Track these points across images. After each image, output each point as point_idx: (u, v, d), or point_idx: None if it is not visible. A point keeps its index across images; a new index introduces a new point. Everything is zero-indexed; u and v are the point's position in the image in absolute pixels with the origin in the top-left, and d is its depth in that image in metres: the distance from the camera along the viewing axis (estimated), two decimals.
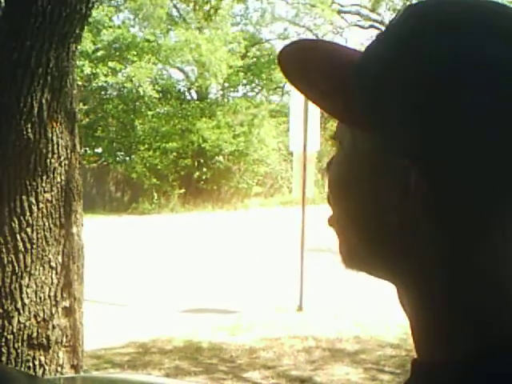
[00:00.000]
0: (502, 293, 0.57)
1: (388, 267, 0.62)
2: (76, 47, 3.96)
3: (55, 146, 3.63)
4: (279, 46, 37.59)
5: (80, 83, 22.39)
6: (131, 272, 10.38)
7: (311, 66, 0.65)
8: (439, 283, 0.58)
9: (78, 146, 3.86)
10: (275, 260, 11.47)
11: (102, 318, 7.10)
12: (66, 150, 3.71)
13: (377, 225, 0.60)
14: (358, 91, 0.60)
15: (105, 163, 23.87)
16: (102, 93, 24.23)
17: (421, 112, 0.56)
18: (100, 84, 22.84)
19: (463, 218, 0.56)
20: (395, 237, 0.59)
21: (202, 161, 23.71)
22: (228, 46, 24.57)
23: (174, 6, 25.71)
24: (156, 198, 22.63)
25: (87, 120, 24.20)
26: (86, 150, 23.82)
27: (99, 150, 24.31)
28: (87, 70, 21.62)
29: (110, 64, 22.25)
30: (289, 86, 23.65)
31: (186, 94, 26.56)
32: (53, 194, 3.57)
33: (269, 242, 13.98)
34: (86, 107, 23.79)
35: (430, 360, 0.59)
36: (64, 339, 3.45)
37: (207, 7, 24.27)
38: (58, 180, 3.62)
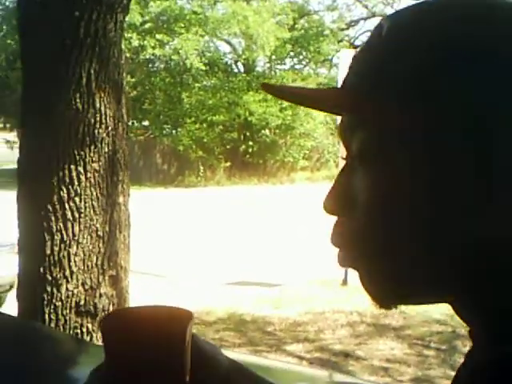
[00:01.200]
0: None
1: (447, 287, 0.59)
2: (123, 17, 3.97)
3: (103, 117, 3.66)
4: (328, 17, 37.08)
5: (128, 55, 22.51)
6: (176, 244, 10.47)
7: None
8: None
9: (125, 117, 3.88)
10: (321, 234, 11.43)
11: (147, 289, 7.20)
12: (114, 120, 3.74)
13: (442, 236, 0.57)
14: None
15: (151, 136, 24.04)
16: (150, 65, 24.33)
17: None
18: (147, 56, 22.93)
19: None
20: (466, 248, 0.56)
21: (248, 134, 23.69)
22: (276, 17, 24.36)
23: None
24: (202, 170, 22.73)
25: (134, 93, 24.35)
26: (133, 123, 24.01)
27: (146, 123, 24.46)
28: (135, 43, 21.70)
29: (158, 36, 22.29)
30: (337, 59, 23.41)
31: (233, 66, 26.48)
32: (100, 163, 3.61)
33: (314, 215, 13.93)
34: (133, 80, 23.92)
35: (484, 358, 0.58)
36: (111, 307, 3.51)
37: None
38: (106, 150, 3.65)
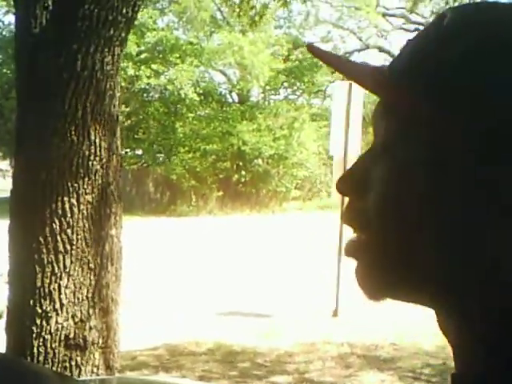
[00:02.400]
0: None
1: (431, 290, 0.58)
2: (121, 51, 4.01)
3: (97, 149, 3.68)
4: (322, 48, 37.52)
5: (123, 85, 22.62)
6: (167, 274, 10.44)
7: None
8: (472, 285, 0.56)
9: (119, 149, 3.90)
10: (312, 264, 11.43)
11: (137, 319, 7.17)
12: (108, 152, 3.76)
13: (432, 243, 0.56)
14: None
15: (145, 165, 24.08)
16: (144, 95, 24.45)
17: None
18: (142, 86, 23.05)
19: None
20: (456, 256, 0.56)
21: (241, 164, 23.76)
22: (270, 48, 24.59)
23: (218, 9, 25.84)
24: (194, 200, 22.74)
25: (129, 122, 24.44)
26: (126, 152, 24.07)
27: (140, 152, 24.52)
28: (130, 72, 21.84)
29: (153, 66, 22.44)
30: (331, 90, 23.58)
31: (228, 96, 26.65)
32: (94, 195, 3.62)
33: (306, 245, 13.94)
34: (127, 109, 24.02)
35: (470, 372, 0.59)
36: (100, 340, 3.49)
37: (252, 13, 24.35)
38: (100, 182, 3.67)
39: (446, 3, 23.95)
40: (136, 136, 24.02)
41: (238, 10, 25.03)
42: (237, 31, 23.96)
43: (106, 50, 3.77)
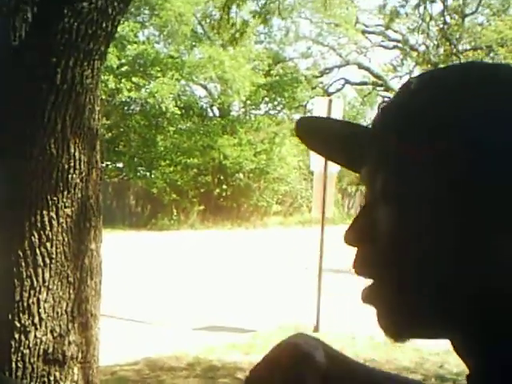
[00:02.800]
0: None
1: (450, 323, 0.62)
2: (100, 64, 4.00)
3: (77, 162, 3.66)
4: (302, 64, 37.61)
5: (103, 97, 22.58)
6: (148, 288, 10.38)
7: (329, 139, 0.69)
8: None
9: (99, 162, 3.88)
10: (293, 279, 11.42)
11: (117, 334, 7.12)
12: (88, 165, 3.73)
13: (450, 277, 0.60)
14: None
15: (126, 178, 24.01)
16: (125, 108, 24.42)
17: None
18: (123, 99, 23.02)
19: None
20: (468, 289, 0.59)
21: (222, 178, 23.77)
22: (251, 63, 24.68)
23: (199, 23, 25.91)
24: (175, 214, 22.69)
25: (109, 135, 24.38)
26: (107, 165, 24.00)
27: (120, 165, 24.46)
28: (111, 85, 21.80)
29: (134, 79, 22.43)
30: (311, 105, 23.68)
31: (208, 110, 26.70)
32: (73, 209, 3.59)
33: (287, 261, 13.93)
34: (108, 122, 23.96)
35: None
36: (79, 355, 3.46)
37: (233, 30, 24.46)
38: (79, 196, 3.64)
39: (423, 20, 24.23)
40: (117, 149, 23.98)
41: (217, 26, 25.16)
42: (218, 45, 24.04)
43: (86, 63, 3.75)
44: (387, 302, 0.63)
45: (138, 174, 24.09)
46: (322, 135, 0.69)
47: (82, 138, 3.71)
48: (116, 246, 15.05)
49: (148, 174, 24.04)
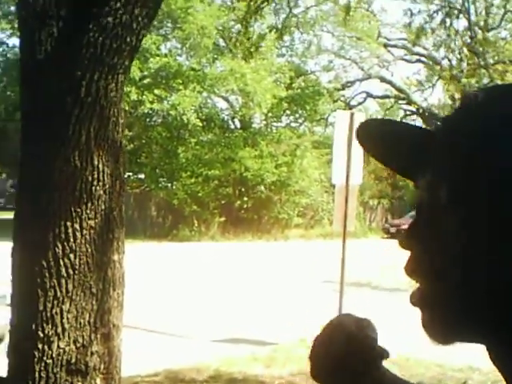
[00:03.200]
0: None
1: (489, 328, 0.62)
2: (124, 78, 4.04)
3: (101, 174, 3.70)
4: (324, 77, 37.59)
5: (126, 109, 22.72)
6: (169, 300, 10.41)
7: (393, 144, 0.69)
8: None
9: (122, 174, 3.92)
10: (314, 292, 11.38)
11: (138, 345, 7.14)
12: (111, 177, 3.77)
13: (487, 285, 0.61)
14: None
15: (147, 189, 24.13)
16: (147, 119, 24.58)
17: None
18: (146, 111, 23.18)
19: None
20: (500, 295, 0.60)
21: (243, 190, 23.80)
22: (273, 76, 24.75)
23: (221, 37, 26.05)
24: (196, 225, 22.74)
25: (131, 146, 24.53)
26: (129, 176, 24.13)
27: (142, 176, 24.59)
28: (134, 97, 21.96)
29: (156, 91, 22.57)
30: (333, 118, 23.69)
31: (230, 122, 26.78)
32: (96, 221, 3.63)
33: (308, 273, 13.89)
34: (131, 133, 24.12)
35: None
36: (102, 366, 3.48)
37: (249, 44, 24.62)
38: (102, 207, 3.68)
39: (448, 36, 24.19)
40: (138, 160, 24.12)
41: (235, 40, 25.32)
42: (239, 58, 24.14)
43: (110, 77, 3.80)
44: (437, 310, 0.64)
45: (160, 185, 24.19)
46: (382, 138, 0.70)
47: (105, 150, 3.75)
48: (137, 257, 15.13)
49: (169, 185, 24.14)
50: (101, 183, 3.69)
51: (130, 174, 23.63)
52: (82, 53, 3.68)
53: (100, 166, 3.71)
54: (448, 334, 0.64)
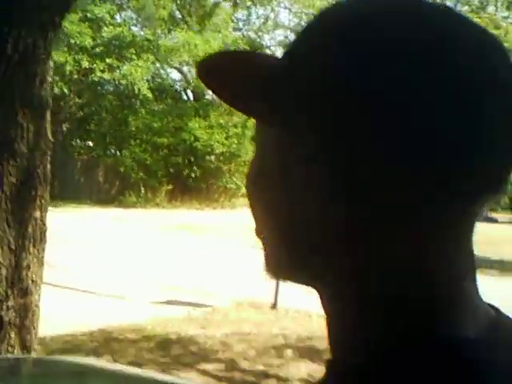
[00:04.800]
0: (425, 282, 0.57)
1: (313, 272, 0.62)
2: (54, 35, 4.01)
3: (25, 131, 3.69)
4: (280, 52, 37.55)
5: (76, 77, 22.41)
6: (110, 263, 10.39)
7: (233, 73, 0.62)
8: (352, 272, 0.58)
9: (48, 133, 3.90)
10: (255, 257, 11.49)
11: (77, 305, 7.19)
12: (36, 135, 3.77)
13: (298, 228, 0.60)
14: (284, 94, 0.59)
15: (96, 156, 23.91)
16: (99, 88, 24.25)
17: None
18: (96, 79, 22.86)
19: (385, 207, 0.55)
20: (317, 238, 0.59)
21: (192, 159, 23.75)
22: (228, 49, 24.63)
23: (177, 8, 25.78)
24: (143, 192, 22.69)
25: (81, 113, 24.25)
26: (77, 142, 23.95)
27: (91, 143, 24.40)
28: (85, 65, 21.63)
29: (108, 60, 22.26)
30: None
31: (183, 93, 26.61)
32: (18, 178, 3.63)
33: (250, 239, 13.99)
34: (80, 101, 23.83)
35: (340, 359, 0.60)
36: (18, 320, 3.51)
37: (202, 12, 24.43)
38: (25, 164, 3.67)
39: None
40: (88, 127, 23.89)
41: (189, 7, 25.08)
42: (194, 30, 23.95)
43: (38, 34, 3.77)
44: (272, 242, 0.64)
45: (108, 152, 24.03)
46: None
47: (30, 108, 3.74)
48: (83, 221, 15.08)
49: (118, 152, 23.98)
50: (24, 140, 3.68)
51: (79, 140, 23.41)
52: (9, 9, 3.65)
53: (24, 123, 3.70)
54: (278, 272, 0.65)
